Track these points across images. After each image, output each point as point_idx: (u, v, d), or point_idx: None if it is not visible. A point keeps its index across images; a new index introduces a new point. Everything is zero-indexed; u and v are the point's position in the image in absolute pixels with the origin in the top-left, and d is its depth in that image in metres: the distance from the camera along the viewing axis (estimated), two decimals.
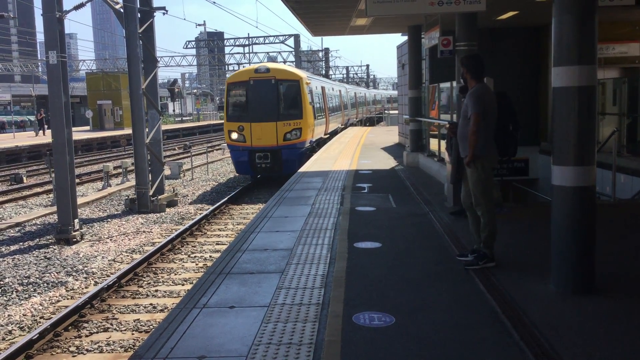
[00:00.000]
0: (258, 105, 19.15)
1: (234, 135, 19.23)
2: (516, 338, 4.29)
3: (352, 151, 20.09)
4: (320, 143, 23.86)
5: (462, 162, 6.22)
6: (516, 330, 4.41)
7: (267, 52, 45.51)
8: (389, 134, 28.05)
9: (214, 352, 4.15)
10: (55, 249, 12.28)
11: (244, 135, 19.05)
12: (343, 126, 35.30)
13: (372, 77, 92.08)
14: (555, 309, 4.88)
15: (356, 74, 80.00)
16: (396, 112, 35.55)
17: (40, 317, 8.27)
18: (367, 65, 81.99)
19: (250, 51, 54.74)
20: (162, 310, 8.26)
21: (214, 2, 26.18)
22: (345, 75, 75.64)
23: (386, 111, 59.72)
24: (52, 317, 7.91)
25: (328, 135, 26.71)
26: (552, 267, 5.40)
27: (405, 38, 18.74)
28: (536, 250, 6.59)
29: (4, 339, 7.61)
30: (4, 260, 11.41)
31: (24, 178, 22.54)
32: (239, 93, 19.70)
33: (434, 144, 14.29)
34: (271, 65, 20.78)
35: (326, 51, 61.93)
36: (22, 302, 9.00)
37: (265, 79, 19.26)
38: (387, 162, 16.64)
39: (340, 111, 33.63)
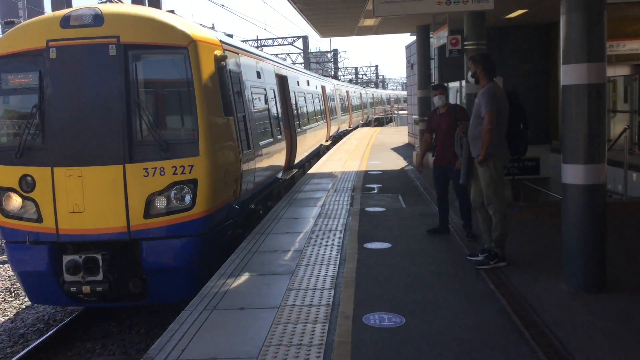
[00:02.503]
0: (72, 119, 6.89)
1: (12, 203, 7.01)
2: (527, 337, 4.27)
3: (361, 152, 20.06)
4: (268, 196, 10.81)
5: (472, 162, 6.20)
6: (527, 330, 4.39)
7: (277, 54, 45.42)
8: (399, 134, 28.00)
9: (225, 354, 4.16)
10: None
11: (37, 203, 6.89)
12: (329, 142, 22.99)
13: (381, 77, 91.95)
14: (566, 308, 4.85)
15: (365, 74, 79.90)
16: (405, 112, 35.04)
17: (54, 320, 8.33)
18: (376, 66, 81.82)
19: None
20: (175, 312, 8.29)
21: (222, 5, 26.25)
22: (354, 76, 75.56)
23: (395, 112, 57.87)
24: (65, 320, 7.96)
25: (292, 174, 13.20)
26: (563, 266, 5.37)
27: (414, 38, 18.71)
28: (547, 249, 6.55)
29: (17, 342, 7.67)
30: None
31: None
32: (23, 86, 7.31)
33: None
34: (107, 7, 7.26)
35: (335, 52, 61.93)
36: (35, 305, 9.07)
37: (91, 45, 6.94)
38: (397, 163, 16.60)
39: (322, 119, 20.84)
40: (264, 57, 12.10)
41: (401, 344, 4.24)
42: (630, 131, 11.69)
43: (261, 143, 9.57)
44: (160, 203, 6.82)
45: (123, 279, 6.87)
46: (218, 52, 7.73)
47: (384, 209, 9.41)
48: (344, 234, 7.72)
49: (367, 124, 45.67)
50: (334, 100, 26.29)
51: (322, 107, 21.40)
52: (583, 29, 4.97)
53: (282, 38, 47.98)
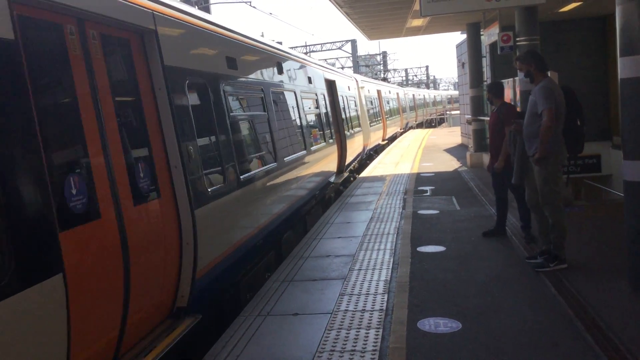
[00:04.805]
0: None
1: None
2: (590, 342, 4.10)
3: (413, 154, 19.86)
4: None
5: (526, 161, 6.02)
6: (590, 334, 4.22)
7: (325, 59, 45.37)
8: (451, 135, 27.56)
9: None
10: None
11: None
12: (346, 174, 14.30)
13: (432, 77, 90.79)
14: (631, 311, 4.63)
15: (415, 75, 79.09)
16: (458, 112, 34.21)
17: None
18: (427, 67, 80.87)
19: None
20: None
21: (270, 13, 26.64)
22: (404, 78, 74.95)
23: (447, 112, 56.01)
24: None
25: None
26: (627, 267, 5.13)
27: (464, 36, 18.39)
28: (610, 250, 6.29)
29: None
30: None
31: None
32: None
33: None
34: None
35: (384, 54, 61.65)
36: None
37: None
38: (450, 164, 16.34)
39: (327, 140, 11.91)
40: None
41: (458, 350, 4.15)
42: None
43: None
44: None
45: None
46: None
47: (438, 212, 9.26)
48: (397, 237, 7.64)
49: (413, 128, 40.89)
50: (356, 105, 18.01)
51: (326, 119, 12.39)
52: (639, 19, 4.76)
53: (331, 43, 48.09)
